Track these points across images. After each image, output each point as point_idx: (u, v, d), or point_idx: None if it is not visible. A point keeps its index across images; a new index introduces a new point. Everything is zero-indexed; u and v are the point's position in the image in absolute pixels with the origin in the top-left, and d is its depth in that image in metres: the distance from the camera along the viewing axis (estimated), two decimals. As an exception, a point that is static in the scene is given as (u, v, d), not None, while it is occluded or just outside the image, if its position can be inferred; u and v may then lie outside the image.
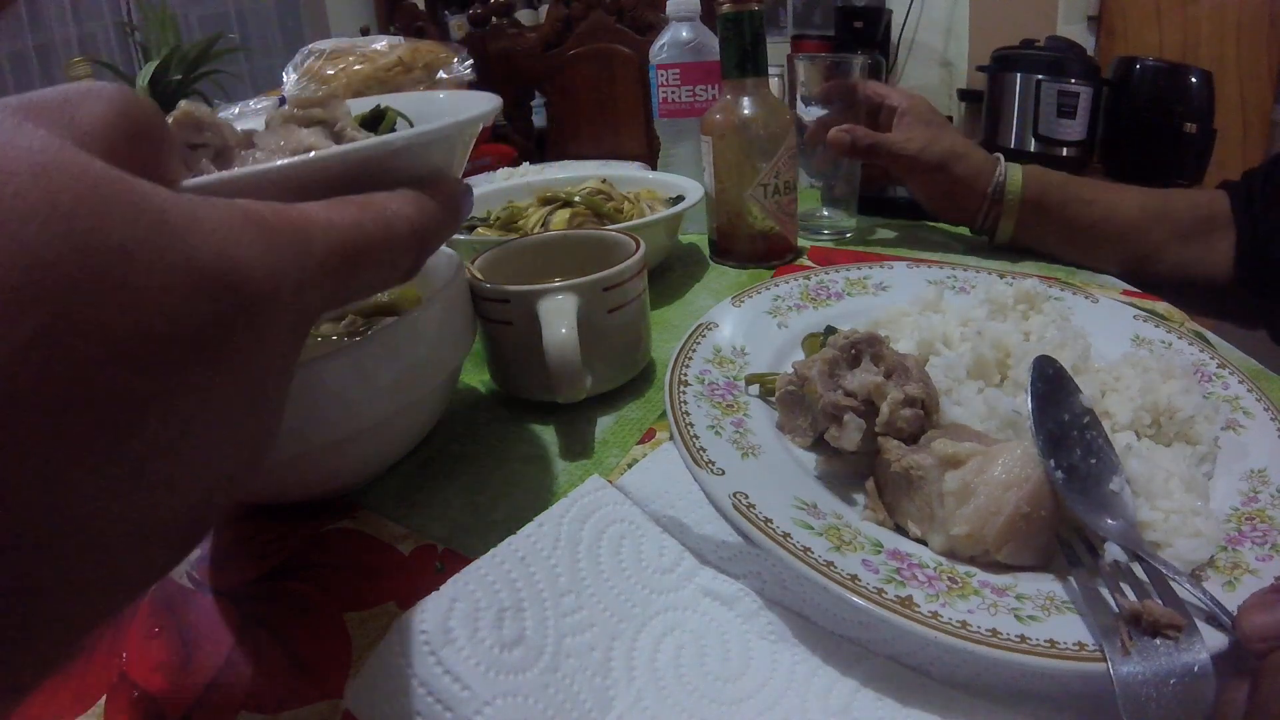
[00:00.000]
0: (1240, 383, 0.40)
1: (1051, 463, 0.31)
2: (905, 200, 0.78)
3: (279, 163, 0.20)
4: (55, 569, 0.12)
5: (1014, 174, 0.65)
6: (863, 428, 0.34)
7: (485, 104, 0.29)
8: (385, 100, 0.38)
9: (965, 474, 0.31)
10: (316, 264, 0.17)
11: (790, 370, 0.39)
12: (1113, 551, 0.30)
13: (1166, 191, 0.66)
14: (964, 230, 0.78)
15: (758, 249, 0.66)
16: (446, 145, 0.26)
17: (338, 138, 0.30)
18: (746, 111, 0.61)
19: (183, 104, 0.28)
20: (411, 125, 0.37)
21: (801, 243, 0.75)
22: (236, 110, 1.03)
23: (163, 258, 0.12)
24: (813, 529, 0.31)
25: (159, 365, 0.13)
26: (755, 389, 0.42)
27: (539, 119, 1.72)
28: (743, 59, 0.61)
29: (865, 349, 0.38)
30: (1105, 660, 0.24)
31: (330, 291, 0.18)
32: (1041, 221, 0.64)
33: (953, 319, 0.45)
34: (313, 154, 0.21)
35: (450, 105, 0.39)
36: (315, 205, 0.18)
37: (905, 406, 0.34)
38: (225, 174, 0.19)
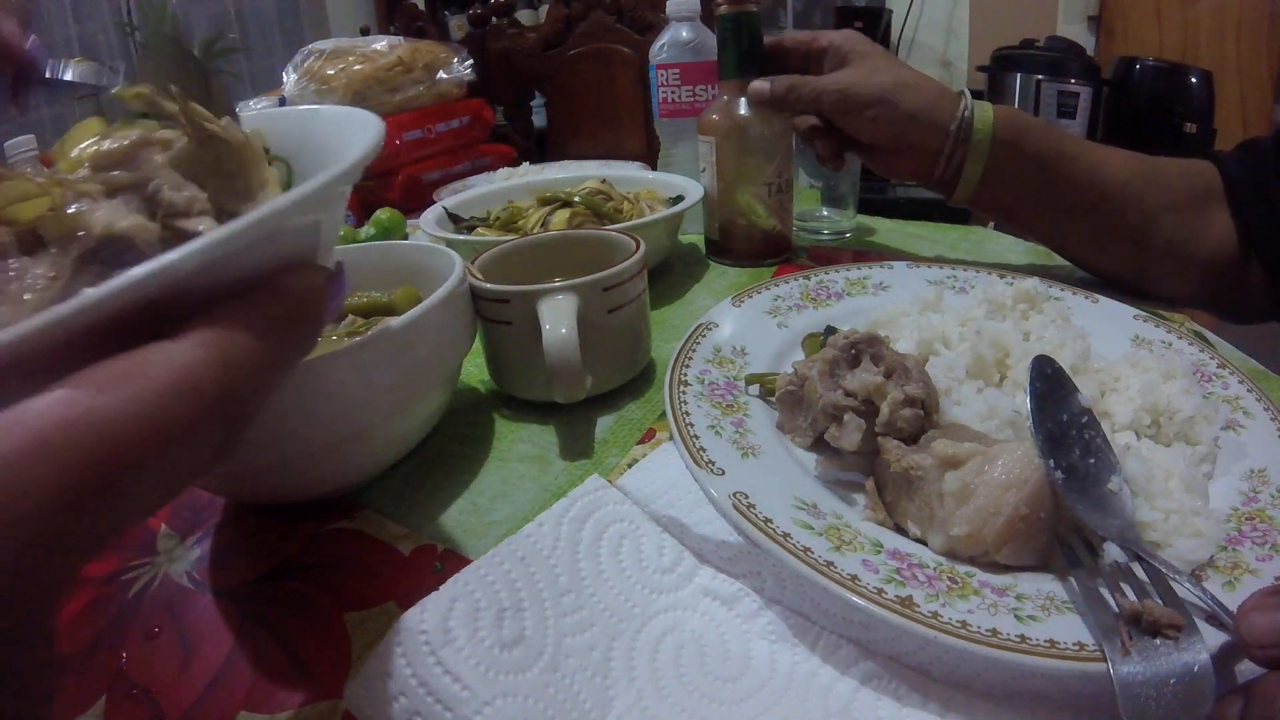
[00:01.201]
0: (1240, 383, 0.40)
1: (1051, 462, 0.31)
2: (905, 200, 0.78)
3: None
4: None
5: (983, 110, 0.54)
6: (862, 427, 0.34)
7: (354, 148, 0.20)
8: (262, 136, 0.25)
9: (965, 474, 0.31)
10: (62, 487, 0.11)
11: (790, 370, 0.39)
12: (1113, 551, 0.30)
13: (1153, 157, 0.56)
14: (963, 230, 0.78)
15: (757, 247, 0.66)
16: (276, 238, 0.17)
17: (151, 204, 0.21)
18: (746, 112, 0.61)
19: None
20: (290, 169, 0.27)
21: (801, 243, 0.75)
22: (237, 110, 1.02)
23: None
24: (813, 529, 0.31)
25: None
26: (755, 389, 0.42)
27: (539, 119, 1.72)
28: (741, 60, 0.61)
29: (865, 349, 0.38)
30: (1105, 660, 0.24)
31: (82, 524, 0.12)
32: (1015, 173, 0.54)
33: (951, 319, 0.45)
34: (49, 315, 0.13)
35: (326, 133, 0.27)
36: (46, 402, 0.12)
37: (905, 406, 0.34)
38: None
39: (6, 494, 0.11)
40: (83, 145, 0.21)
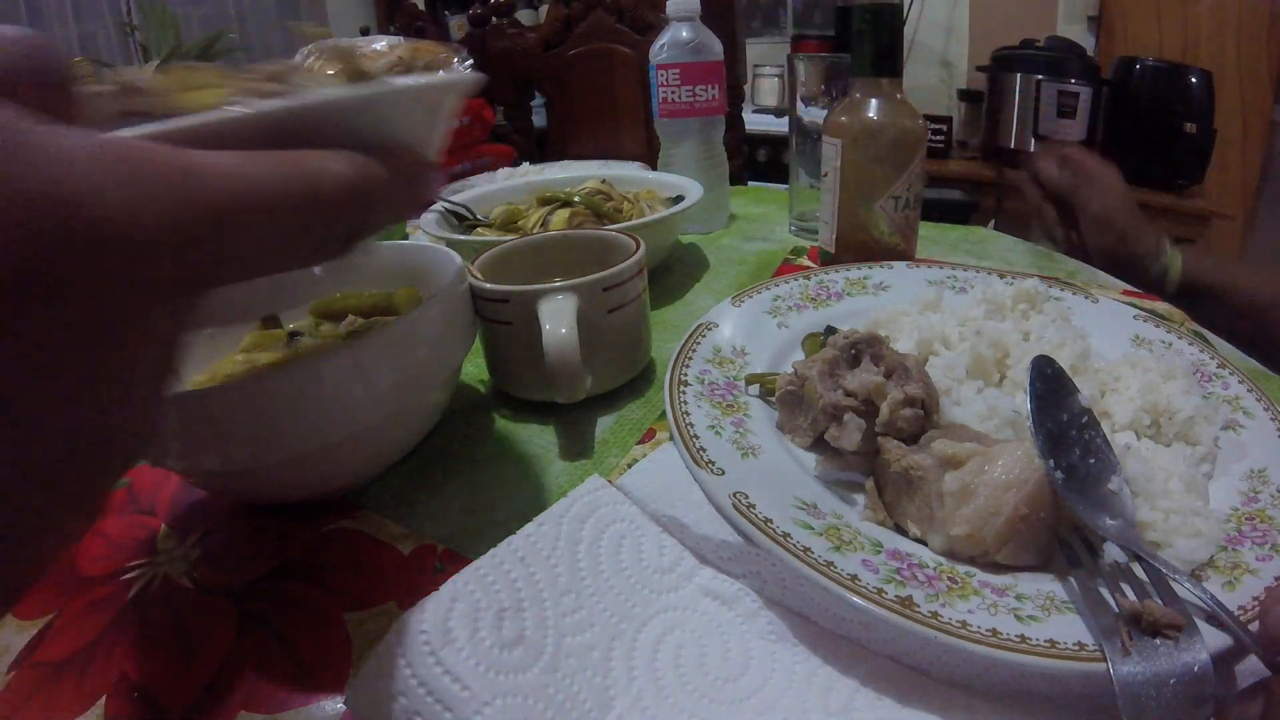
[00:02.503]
0: (1240, 383, 0.40)
1: (1051, 462, 0.31)
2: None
3: (177, 121, 0.17)
4: None
5: (1173, 262, 0.65)
6: (862, 427, 0.34)
7: (452, 78, 0.25)
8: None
9: (965, 475, 0.31)
10: (201, 212, 0.14)
11: (790, 370, 0.39)
12: (1113, 551, 0.30)
13: None
14: (963, 230, 0.78)
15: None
16: (403, 109, 0.22)
17: None
18: (880, 116, 0.56)
19: (116, 69, 0.25)
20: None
21: (801, 243, 0.75)
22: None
23: None
24: (813, 529, 0.31)
25: None
26: (755, 389, 0.42)
27: (539, 119, 1.72)
28: (879, 57, 0.55)
29: (865, 349, 0.38)
30: (1105, 660, 0.24)
31: (224, 249, 0.15)
32: (1203, 305, 0.61)
33: (951, 319, 0.45)
34: (227, 109, 0.18)
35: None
36: (222, 154, 0.15)
37: (905, 406, 0.34)
38: (114, 134, 0.16)
39: (194, 205, 0.14)
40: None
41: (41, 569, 0.15)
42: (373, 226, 0.19)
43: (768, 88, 2.34)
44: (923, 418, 0.35)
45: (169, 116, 0.17)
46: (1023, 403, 0.35)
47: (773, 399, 0.40)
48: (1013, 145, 1.90)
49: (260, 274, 0.17)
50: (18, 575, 0.14)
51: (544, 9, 1.79)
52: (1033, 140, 1.86)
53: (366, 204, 0.18)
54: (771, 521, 0.30)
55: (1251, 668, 0.25)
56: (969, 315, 0.45)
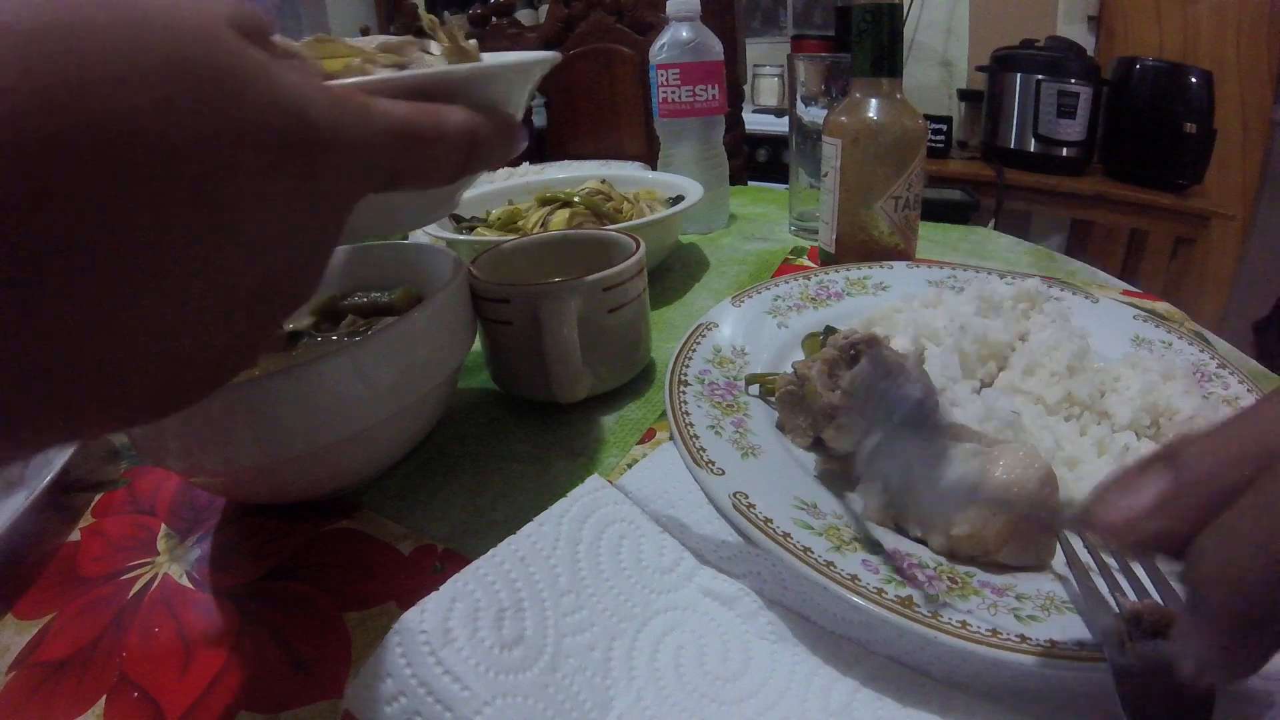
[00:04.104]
0: (1240, 383, 0.40)
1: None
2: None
3: (359, 79, 0.26)
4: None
5: None
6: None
7: (542, 55, 0.33)
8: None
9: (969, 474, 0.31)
10: (374, 132, 0.20)
11: (790, 370, 0.39)
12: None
13: None
14: (964, 230, 0.78)
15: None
16: (504, 81, 0.29)
17: None
18: (880, 116, 0.56)
19: (275, 38, 0.29)
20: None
21: (801, 243, 0.75)
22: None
23: (252, 88, 0.17)
24: (813, 529, 0.31)
25: (241, 161, 0.17)
26: (755, 389, 0.42)
27: (539, 119, 1.72)
28: (879, 57, 0.56)
29: (864, 349, 0.38)
30: (1105, 660, 0.24)
31: (385, 162, 0.21)
32: None
33: (942, 315, 0.45)
34: (387, 75, 0.26)
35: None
36: (388, 100, 0.21)
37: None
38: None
39: (370, 126, 0.20)
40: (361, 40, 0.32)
41: (212, 386, 0.20)
42: (477, 164, 0.25)
43: (768, 88, 2.33)
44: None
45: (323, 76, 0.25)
46: (1015, 403, 0.35)
47: (773, 399, 0.40)
48: (1013, 145, 1.90)
49: (402, 185, 0.22)
50: (196, 383, 0.19)
51: (544, 9, 1.79)
52: (1033, 140, 1.86)
53: (475, 143, 0.24)
54: (771, 521, 0.30)
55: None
56: (959, 312, 0.45)
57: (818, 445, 0.37)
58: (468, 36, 0.33)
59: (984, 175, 1.90)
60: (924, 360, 0.39)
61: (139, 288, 0.16)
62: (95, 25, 0.15)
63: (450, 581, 0.27)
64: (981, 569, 0.30)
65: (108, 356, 0.16)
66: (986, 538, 0.30)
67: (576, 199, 0.65)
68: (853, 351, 0.38)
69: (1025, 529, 0.30)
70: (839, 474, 0.36)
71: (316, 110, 0.18)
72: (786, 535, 0.30)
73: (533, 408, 0.45)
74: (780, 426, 0.40)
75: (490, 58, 0.40)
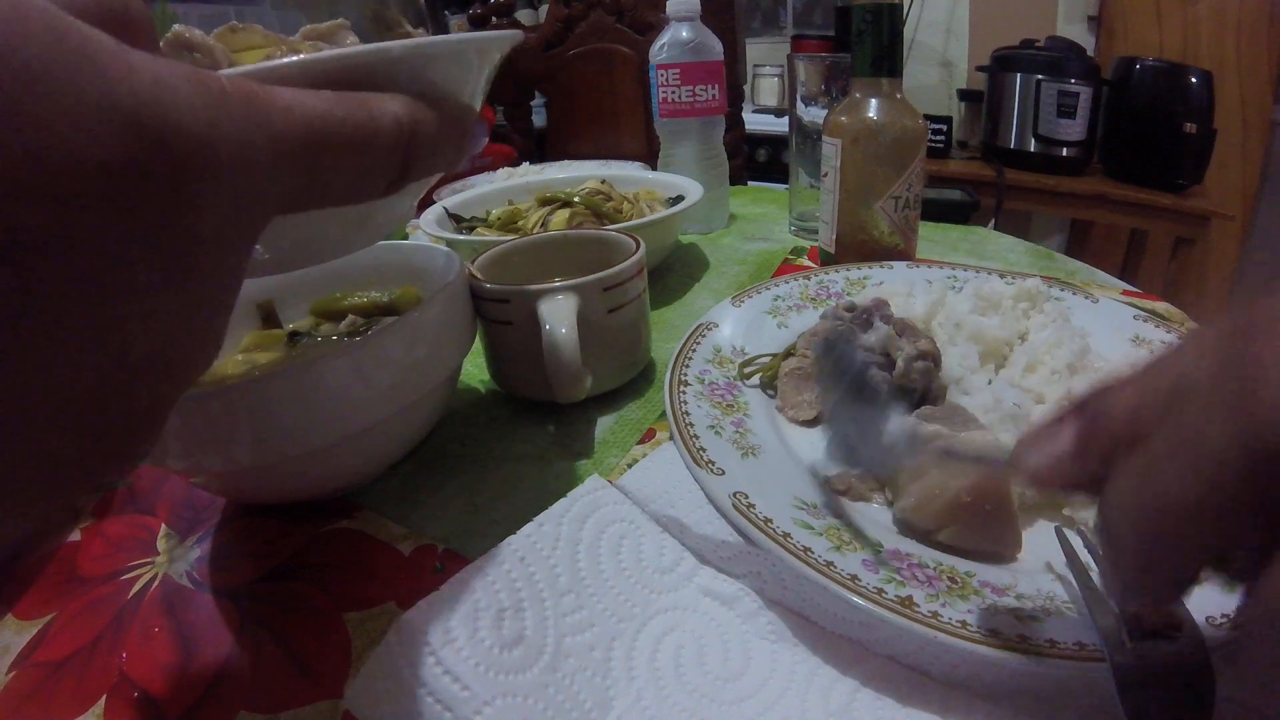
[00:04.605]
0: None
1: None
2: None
3: (258, 66, 0.19)
4: None
5: None
6: (889, 379, 0.37)
7: (501, 33, 0.28)
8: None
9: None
10: (271, 138, 0.15)
11: (793, 356, 0.41)
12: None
13: None
14: (963, 230, 0.78)
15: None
16: (454, 62, 0.23)
17: None
18: (880, 116, 0.56)
19: (175, 27, 0.26)
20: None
21: (801, 243, 0.75)
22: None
23: (75, 87, 0.12)
24: (813, 529, 0.31)
25: (54, 199, 0.12)
26: (755, 380, 0.42)
27: (539, 119, 1.72)
28: (879, 57, 0.56)
29: (875, 312, 0.41)
30: (1105, 660, 0.24)
31: (290, 176, 0.16)
32: None
33: (921, 303, 0.46)
34: (296, 57, 0.20)
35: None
36: (290, 89, 0.16)
37: (918, 360, 0.37)
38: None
39: (266, 130, 0.15)
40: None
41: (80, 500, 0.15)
42: (423, 168, 0.20)
43: (768, 88, 2.33)
44: (932, 369, 0.38)
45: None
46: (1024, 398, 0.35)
47: (773, 392, 0.40)
48: (1013, 145, 1.90)
49: (318, 204, 0.18)
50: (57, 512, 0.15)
51: (544, 9, 1.79)
52: (1033, 140, 1.86)
53: (416, 143, 0.19)
54: (771, 521, 0.30)
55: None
56: (956, 310, 0.45)
57: (818, 421, 0.39)
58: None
59: (984, 175, 1.90)
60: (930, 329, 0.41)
61: None
62: None
63: (450, 581, 0.27)
64: (982, 569, 0.30)
65: None
66: (929, 515, 0.31)
67: (576, 199, 0.65)
68: (864, 316, 0.40)
69: (969, 513, 0.30)
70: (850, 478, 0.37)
71: (188, 112, 0.13)
72: (786, 535, 0.30)
73: (533, 408, 0.45)
74: (779, 409, 0.40)
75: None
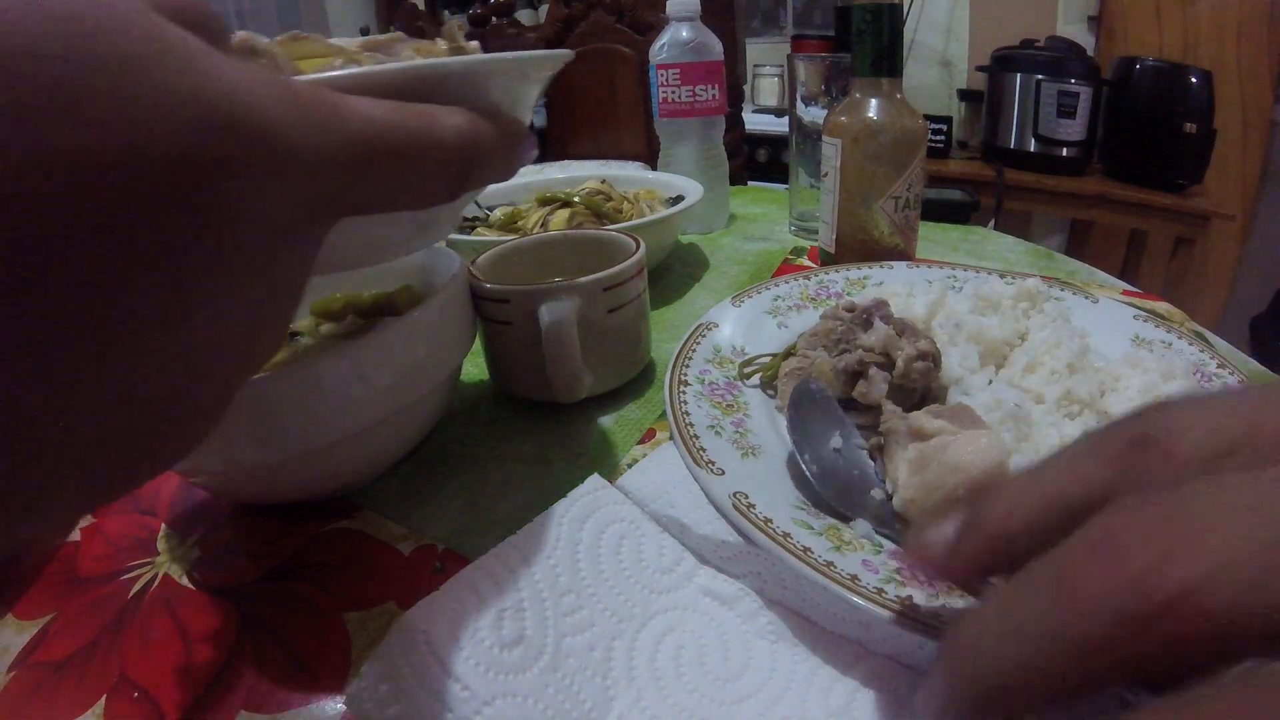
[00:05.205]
0: (1240, 383, 0.40)
1: (806, 455, 0.34)
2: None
3: (326, 74, 0.20)
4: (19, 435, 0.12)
5: None
6: (889, 379, 0.37)
7: (554, 51, 0.29)
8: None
9: (927, 448, 0.32)
10: (344, 141, 0.16)
11: (793, 355, 0.41)
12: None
13: None
14: (963, 230, 0.78)
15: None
16: (507, 79, 0.24)
17: None
18: (880, 116, 0.56)
19: (241, 33, 0.26)
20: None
21: (801, 243, 0.75)
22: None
23: (165, 80, 0.12)
24: (813, 529, 0.31)
25: (139, 187, 0.12)
26: (755, 380, 0.42)
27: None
28: (879, 56, 0.56)
29: (875, 311, 0.41)
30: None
31: (359, 180, 0.17)
32: None
33: (921, 303, 0.46)
34: (364, 68, 0.21)
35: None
36: (362, 98, 0.17)
37: (918, 360, 0.37)
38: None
39: (339, 134, 0.16)
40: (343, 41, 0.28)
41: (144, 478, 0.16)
42: (479, 178, 0.21)
43: (768, 88, 2.34)
44: (932, 370, 0.38)
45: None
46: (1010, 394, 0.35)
47: (772, 392, 0.40)
48: (1013, 145, 1.90)
49: (384, 208, 0.18)
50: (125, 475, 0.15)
51: (544, 9, 1.79)
52: (1033, 140, 1.86)
53: (475, 153, 0.20)
54: (771, 521, 0.30)
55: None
56: (955, 310, 0.45)
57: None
58: (468, 37, 0.32)
59: (984, 175, 1.90)
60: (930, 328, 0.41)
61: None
62: None
63: (450, 581, 0.27)
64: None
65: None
66: (925, 510, 0.31)
67: (576, 199, 0.65)
68: (864, 316, 0.40)
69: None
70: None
71: (267, 112, 0.14)
72: (786, 535, 0.30)
73: (533, 408, 0.45)
74: (779, 407, 0.40)
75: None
